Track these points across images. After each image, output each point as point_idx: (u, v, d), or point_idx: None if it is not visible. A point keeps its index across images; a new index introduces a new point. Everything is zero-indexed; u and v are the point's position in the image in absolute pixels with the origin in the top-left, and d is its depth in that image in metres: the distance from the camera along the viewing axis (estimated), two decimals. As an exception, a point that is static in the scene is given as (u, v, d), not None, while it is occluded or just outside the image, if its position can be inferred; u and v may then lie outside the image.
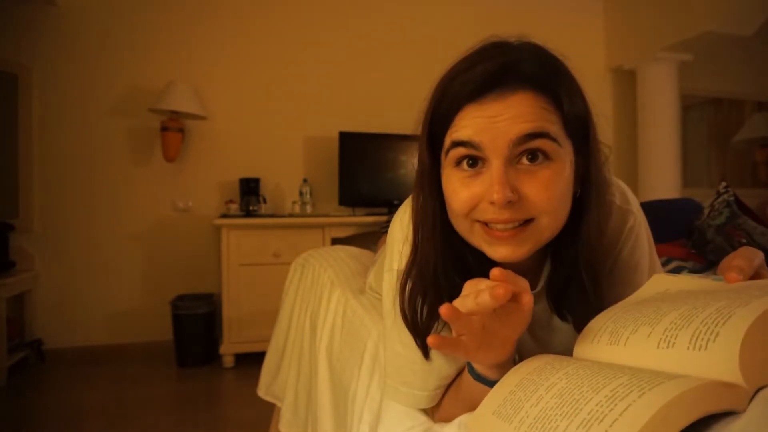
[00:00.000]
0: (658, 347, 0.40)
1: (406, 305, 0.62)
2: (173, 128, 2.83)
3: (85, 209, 2.87)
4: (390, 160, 3.17)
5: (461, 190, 0.55)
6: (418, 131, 0.61)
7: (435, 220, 0.59)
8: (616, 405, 0.35)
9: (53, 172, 2.84)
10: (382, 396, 0.79)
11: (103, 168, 2.90)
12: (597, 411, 0.36)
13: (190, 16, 3.03)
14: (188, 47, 3.03)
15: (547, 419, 0.39)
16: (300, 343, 1.39)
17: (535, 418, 0.40)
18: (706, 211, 1.71)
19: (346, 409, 0.96)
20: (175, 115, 2.83)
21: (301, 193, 3.01)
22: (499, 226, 0.53)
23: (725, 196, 1.68)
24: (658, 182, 3.45)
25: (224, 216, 2.75)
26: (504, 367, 0.53)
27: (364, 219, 2.93)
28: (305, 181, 3.06)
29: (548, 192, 0.53)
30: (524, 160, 0.53)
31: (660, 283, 0.52)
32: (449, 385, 0.67)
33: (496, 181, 0.51)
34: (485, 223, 0.54)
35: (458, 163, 0.55)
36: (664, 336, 0.40)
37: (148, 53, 2.96)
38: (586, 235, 0.58)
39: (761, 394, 0.34)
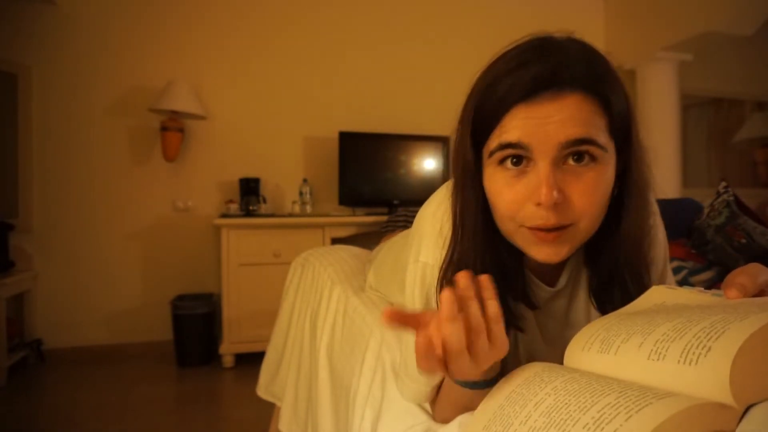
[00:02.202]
0: (648, 358, 0.39)
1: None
2: (173, 128, 2.83)
3: (85, 209, 2.87)
4: (390, 160, 3.17)
5: (505, 191, 0.55)
6: (456, 128, 0.60)
7: (477, 217, 0.59)
8: (603, 429, 0.34)
9: (53, 171, 2.84)
10: (385, 392, 0.80)
11: (102, 168, 2.90)
12: (600, 419, 0.35)
13: (190, 15, 3.03)
14: (188, 47, 3.03)
15: None
16: (300, 342, 1.39)
17: None
18: (706, 211, 1.71)
19: (347, 407, 0.96)
20: (175, 115, 2.83)
21: (301, 193, 3.01)
22: (543, 228, 0.53)
23: (725, 196, 1.68)
24: (658, 182, 3.45)
25: (224, 216, 2.75)
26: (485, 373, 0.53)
27: (364, 219, 2.93)
28: (305, 181, 3.06)
29: (591, 196, 0.53)
30: (570, 161, 0.53)
31: (658, 295, 0.51)
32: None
33: (544, 183, 0.51)
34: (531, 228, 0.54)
35: (502, 161, 0.55)
36: (655, 347, 0.39)
37: (148, 53, 2.96)
38: (625, 234, 0.58)
39: (751, 413, 0.33)
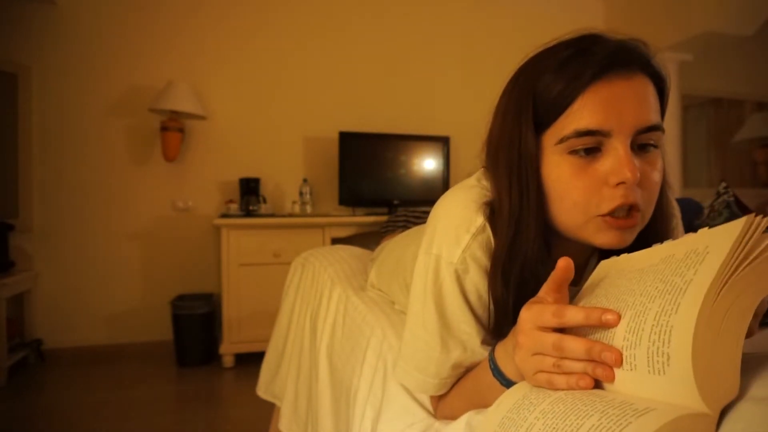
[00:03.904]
0: (623, 369, 0.40)
1: (499, 287, 0.60)
2: (173, 128, 2.83)
3: (85, 209, 2.87)
4: (390, 160, 3.17)
5: (575, 179, 0.54)
6: (496, 120, 0.60)
7: (540, 210, 0.58)
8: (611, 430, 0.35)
9: (53, 171, 2.84)
10: (385, 391, 0.79)
11: (102, 168, 2.90)
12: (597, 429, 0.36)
13: (189, 16, 3.03)
14: (188, 47, 3.03)
15: None
16: (300, 342, 1.39)
17: None
18: (706, 212, 1.71)
19: (348, 406, 0.96)
20: (175, 114, 2.83)
21: (301, 193, 3.01)
22: (620, 213, 0.53)
23: (725, 197, 1.67)
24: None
25: (224, 216, 2.75)
26: None
27: (364, 219, 2.93)
28: (305, 181, 3.06)
29: (655, 180, 0.54)
30: (635, 146, 0.54)
31: (602, 270, 0.52)
32: (459, 379, 0.67)
33: (627, 161, 0.51)
34: (605, 215, 0.53)
35: (574, 150, 0.54)
36: (625, 356, 0.40)
37: (148, 53, 2.96)
38: (648, 227, 0.59)
39: (727, 421, 0.34)
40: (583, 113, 0.52)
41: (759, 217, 0.37)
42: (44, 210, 2.82)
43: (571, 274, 0.47)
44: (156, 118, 2.90)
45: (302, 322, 1.41)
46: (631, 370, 0.39)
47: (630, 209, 0.53)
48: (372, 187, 3.12)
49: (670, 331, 0.36)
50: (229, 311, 2.66)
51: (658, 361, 0.37)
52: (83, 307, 2.86)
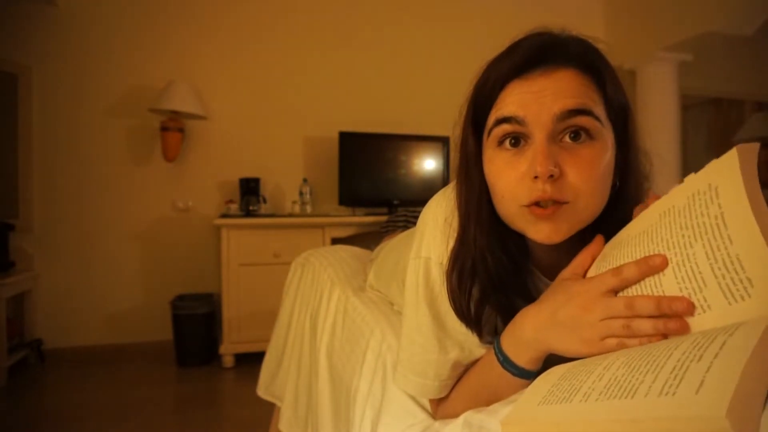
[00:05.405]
0: (693, 316, 0.40)
1: (455, 288, 0.60)
2: (173, 128, 2.83)
3: (85, 209, 2.87)
4: (390, 160, 3.17)
5: (505, 172, 0.55)
6: (460, 121, 0.62)
7: (482, 204, 0.59)
8: (707, 349, 0.34)
9: (53, 171, 2.84)
10: (385, 392, 0.79)
11: (103, 168, 2.90)
12: (690, 353, 0.35)
13: (190, 16, 3.03)
14: (188, 47, 3.03)
15: (625, 380, 0.37)
16: (300, 342, 1.39)
17: (606, 386, 0.38)
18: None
19: (348, 406, 0.96)
20: (175, 115, 2.83)
21: (301, 193, 3.01)
22: (546, 204, 0.52)
23: (725, 196, 1.68)
24: (658, 182, 3.45)
25: (224, 216, 2.75)
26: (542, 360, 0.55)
27: (364, 219, 2.93)
28: (305, 181, 3.06)
29: (588, 173, 0.52)
30: (566, 138, 0.53)
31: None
32: (459, 379, 0.66)
33: (539, 153, 0.51)
34: (529, 205, 0.54)
35: (501, 142, 0.55)
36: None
37: (148, 53, 2.96)
38: (624, 223, 0.58)
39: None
40: (503, 104, 0.55)
41: (747, 145, 0.39)
42: (44, 210, 2.82)
43: (601, 247, 0.53)
44: (156, 118, 2.90)
45: (302, 323, 1.41)
46: (704, 312, 0.39)
47: (557, 203, 0.53)
48: (372, 187, 3.13)
49: (737, 259, 0.37)
50: (229, 311, 2.66)
51: (737, 289, 0.37)
52: (83, 307, 2.86)
